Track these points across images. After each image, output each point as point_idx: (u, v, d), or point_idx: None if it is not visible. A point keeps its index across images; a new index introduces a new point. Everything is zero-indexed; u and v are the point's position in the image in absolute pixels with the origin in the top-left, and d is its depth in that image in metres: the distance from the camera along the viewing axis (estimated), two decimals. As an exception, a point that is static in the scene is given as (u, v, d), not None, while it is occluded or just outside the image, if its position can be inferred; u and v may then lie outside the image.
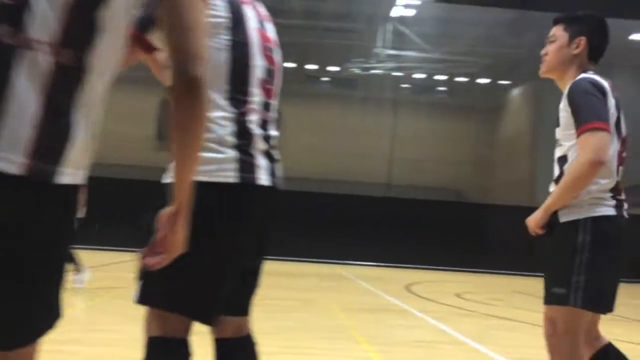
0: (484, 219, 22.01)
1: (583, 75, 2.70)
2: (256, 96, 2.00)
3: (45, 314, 1.20)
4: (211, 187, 1.88)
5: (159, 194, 1.70)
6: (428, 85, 28.21)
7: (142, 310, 1.98)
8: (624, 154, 2.76)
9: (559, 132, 2.73)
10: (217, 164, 1.89)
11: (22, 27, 1.10)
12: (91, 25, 1.17)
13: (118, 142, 20.25)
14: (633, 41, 22.45)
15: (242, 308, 2.10)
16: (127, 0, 1.22)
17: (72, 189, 1.19)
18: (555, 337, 2.65)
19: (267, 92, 2.05)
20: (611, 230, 2.63)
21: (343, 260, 20.10)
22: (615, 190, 2.68)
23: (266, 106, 2.05)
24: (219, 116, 1.92)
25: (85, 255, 13.82)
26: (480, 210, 22.86)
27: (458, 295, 11.67)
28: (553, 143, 2.77)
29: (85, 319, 6.04)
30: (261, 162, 1.98)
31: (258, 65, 2.01)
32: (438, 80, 28.10)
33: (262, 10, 2.14)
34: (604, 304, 2.67)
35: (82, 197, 1.14)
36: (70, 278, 7.78)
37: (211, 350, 2.10)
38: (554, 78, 2.87)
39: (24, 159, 1.09)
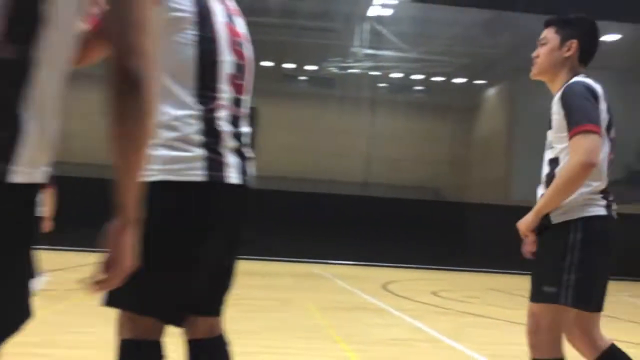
0: (460, 217, 22.14)
1: (576, 78, 2.72)
2: (225, 92, 1.97)
3: (8, 315, 1.16)
4: (179, 186, 1.85)
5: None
6: (405, 85, 28.33)
7: (116, 312, 1.95)
8: (612, 156, 2.78)
9: (550, 135, 2.74)
10: (185, 162, 1.86)
11: None
12: (35, 18, 1.12)
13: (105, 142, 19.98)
14: (604, 42, 22.79)
15: (213, 308, 2.07)
16: None
17: (31, 188, 1.15)
18: (539, 334, 2.67)
19: (238, 88, 2.01)
20: (602, 230, 2.65)
21: (320, 259, 20.09)
22: (605, 192, 2.71)
23: (237, 102, 2.01)
24: (186, 114, 1.88)
25: (60, 257, 13.67)
26: (457, 208, 23.01)
27: (434, 293, 11.73)
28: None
29: (59, 320, 5.95)
30: (230, 160, 1.94)
31: (227, 60, 1.97)
32: (415, 80, 28.23)
33: (232, 4, 2.10)
34: (594, 302, 2.69)
35: (49, 197, 1.11)
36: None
37: (184, 352, 2.08)
38: (545, 80, 2.88)
39: None
